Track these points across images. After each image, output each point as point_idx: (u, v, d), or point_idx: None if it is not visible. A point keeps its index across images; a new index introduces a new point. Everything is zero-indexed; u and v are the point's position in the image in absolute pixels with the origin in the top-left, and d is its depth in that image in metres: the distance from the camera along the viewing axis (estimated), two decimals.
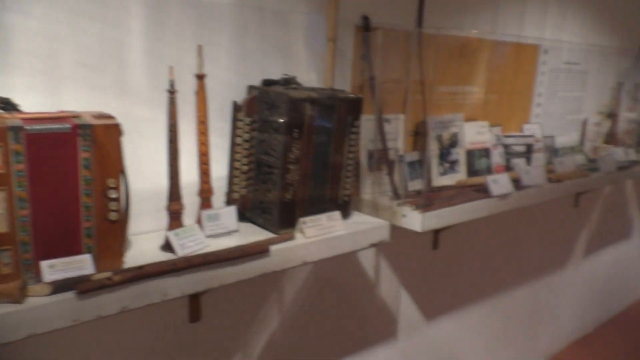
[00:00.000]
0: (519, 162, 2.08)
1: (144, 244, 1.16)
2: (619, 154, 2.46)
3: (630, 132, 2.75)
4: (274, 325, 1.56)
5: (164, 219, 1.20)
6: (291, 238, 1.20)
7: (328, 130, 1.28)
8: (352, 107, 1.31)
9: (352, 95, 1.33)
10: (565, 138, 2.44)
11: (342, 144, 1.32)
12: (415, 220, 1.46)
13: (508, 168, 2.04)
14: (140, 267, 1.00)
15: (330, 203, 1.33)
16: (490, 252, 2.29)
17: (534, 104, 2.24)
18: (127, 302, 0.98)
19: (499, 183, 1.68)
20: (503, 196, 1.68)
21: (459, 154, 1.88)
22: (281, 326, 1.58)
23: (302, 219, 1.24)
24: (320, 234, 1.24)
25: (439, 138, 1.82)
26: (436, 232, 1.98)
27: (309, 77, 1.47)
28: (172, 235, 1.12)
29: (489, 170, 1.96)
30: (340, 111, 1.29)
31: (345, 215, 1.36)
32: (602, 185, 2.27)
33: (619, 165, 2.32)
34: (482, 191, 1.68)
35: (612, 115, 2.64)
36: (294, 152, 1.22)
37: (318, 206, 1.30)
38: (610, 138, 2.66)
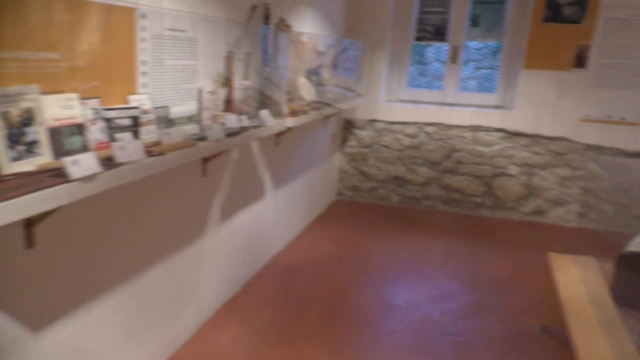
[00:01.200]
0: (124, 137, 1.91)
1: None
2: (233, 121, 2.56)
3: (247, 99, 2.91)
4: None
5: None
6: None
7: None
8: None
9: None
10: (182, 108, 2.40)
11: None
12: None
13: None
14: None
15: None
16: (114, 237, 2.10)
17: (139, 72, 2.10)
18: None
19: (81, 164, 1.47)
20: (87, 178, 1.48)
21: (39, 133, 1.58)
22: None
23: None
24: None
25: (5, 115, 1.49)
26: (28, 228, 1.66)
27: None
28: None
29: (86, 149, 1.73)
30: None
31: None
32: (210, 153, 2.29)
33: (230, 131, 2.41)
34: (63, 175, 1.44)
35: (227, 83, 2.73)
36: None
37: None
38: (228, 106, 2.75)
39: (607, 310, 2.14)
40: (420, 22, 5.01)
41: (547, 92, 4.61)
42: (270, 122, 2.82)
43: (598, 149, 4.52)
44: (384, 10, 4.95)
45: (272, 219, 3.74)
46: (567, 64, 4.52)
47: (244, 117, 2.69)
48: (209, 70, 2.60)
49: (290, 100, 3.45)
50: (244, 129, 2.59)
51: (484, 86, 7.39)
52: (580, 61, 4.49)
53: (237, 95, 2.81)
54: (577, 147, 4.58)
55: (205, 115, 2.57)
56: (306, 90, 3.73)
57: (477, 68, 7.60)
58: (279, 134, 3.58)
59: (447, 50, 5.06)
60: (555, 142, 4.64)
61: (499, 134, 4.80)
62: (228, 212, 3.06)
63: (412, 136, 5.08)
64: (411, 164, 5.12)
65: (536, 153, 4.71)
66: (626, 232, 4.15)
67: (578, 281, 2.45)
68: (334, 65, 4.41)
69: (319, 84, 3.99)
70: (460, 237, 4.46)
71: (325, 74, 4.20)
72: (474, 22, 4.86)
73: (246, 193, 3.28)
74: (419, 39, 5.09)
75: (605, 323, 2.03)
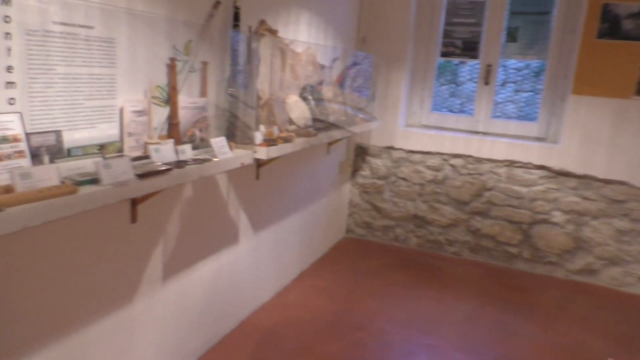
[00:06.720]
0: None
1: None
2: (168, 152, 1.87)
3: (201, 121, 2.22)
4: None
5: None
6: None
7: None
8: None
9: None
10: (88, 133, 1.73)
11: None
12: None
13: None
14: None
15: None
16: None
17: (1, 83, 1.44)
18: None
19: None
20: None
21: None
22: None
23: None
24: None
25: None
26: None
27: None
28: None
29: None
30: None
31: None
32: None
33: (157, 168, 1.71)
34: None
35: (169, 101, 2.06)
36: None
37: None
38: (172, 130, 2.07)
39: None
40: (447, 35, 4.24)
41: (602, 124, 3.76)
42: (226, 153, 2.12)
43: None
44: (404, 19, 4.22)
45: (248, 268, 3.02)
46: (627, 90, 3.67)
47: (187, 147, 2.01)
48: (138, 83, 1.93)
49: (272, 123, 2.76)
50: (182, 162, 1.90)
51: (524, 112, 6.51)
52: None
53: (185, 116, 2.13)
54: (639, 193, 3.70)
55: (130, 143, 1.89)
56: (298, 112, 3.03)
57: (517, 91, 6.73)
58: (262, 164, 2.89)
59: (479, 69, 4.28)
60: (611, 185, 3.76)
61: (540, 172, 3.96)
62: (175, 266, 2.35)
63: (435, 169, 4.30)
64: (434, 201, 4.33)
65: (586, 198, 3.84)
66: None
67: None
68: (341, 83, 3.70)
69: (318, 101, 3.28)
70: (488, 297, 3.62)
71: (328, 91, 3.49)
72: (512, 36, 4.09)
73: (207, 240, 2.57)
74: (445, 54, 4.32)
75: None
